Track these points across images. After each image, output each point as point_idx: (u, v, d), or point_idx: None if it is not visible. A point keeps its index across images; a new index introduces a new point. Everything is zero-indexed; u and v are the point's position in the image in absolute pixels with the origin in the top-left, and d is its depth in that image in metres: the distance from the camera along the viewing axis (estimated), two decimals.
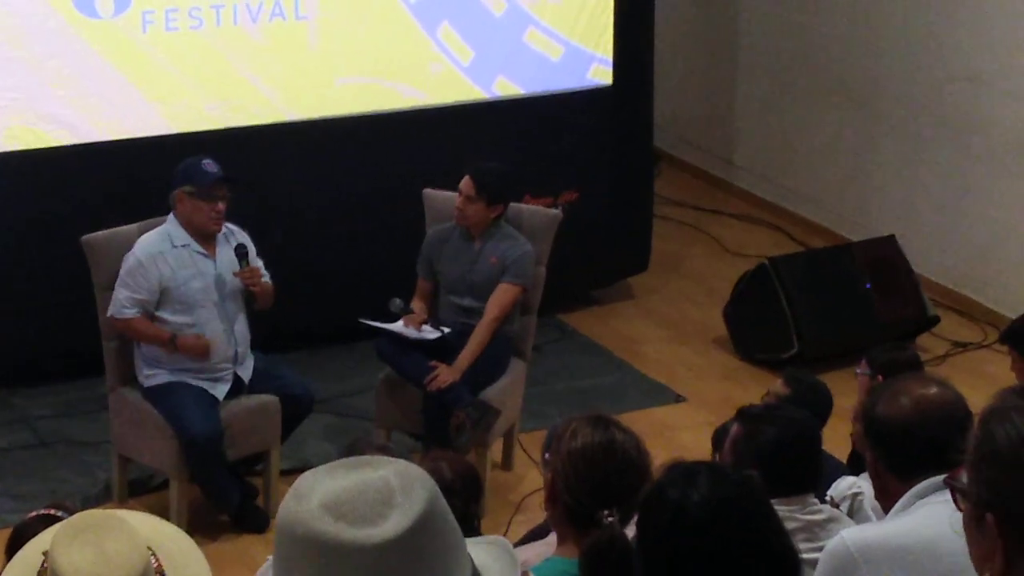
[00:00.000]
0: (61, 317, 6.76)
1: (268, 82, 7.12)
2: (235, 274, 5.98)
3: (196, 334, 5.92)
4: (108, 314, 5.96)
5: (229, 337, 6.01)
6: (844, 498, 4.45)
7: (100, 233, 6.04)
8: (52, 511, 3.72)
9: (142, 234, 5.98)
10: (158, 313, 5.93)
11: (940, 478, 3.03)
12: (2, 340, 6.84)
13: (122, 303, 5.91)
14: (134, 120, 6.89)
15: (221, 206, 5.92)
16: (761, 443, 3.88)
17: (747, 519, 2.55)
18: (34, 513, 3.79)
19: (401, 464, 2.09)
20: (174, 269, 5.91)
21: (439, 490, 2.07)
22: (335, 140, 7.29)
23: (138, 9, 6.78)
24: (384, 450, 4.34)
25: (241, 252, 5.99)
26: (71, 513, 3.61)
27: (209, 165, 5.92)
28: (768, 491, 2.66)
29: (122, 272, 5.91)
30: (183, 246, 5.94)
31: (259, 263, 6.12)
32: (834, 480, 4.56)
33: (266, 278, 6.12)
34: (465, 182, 6.33)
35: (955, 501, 2.12)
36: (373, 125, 7.34)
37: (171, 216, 5.96)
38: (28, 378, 6.96)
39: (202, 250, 5.97)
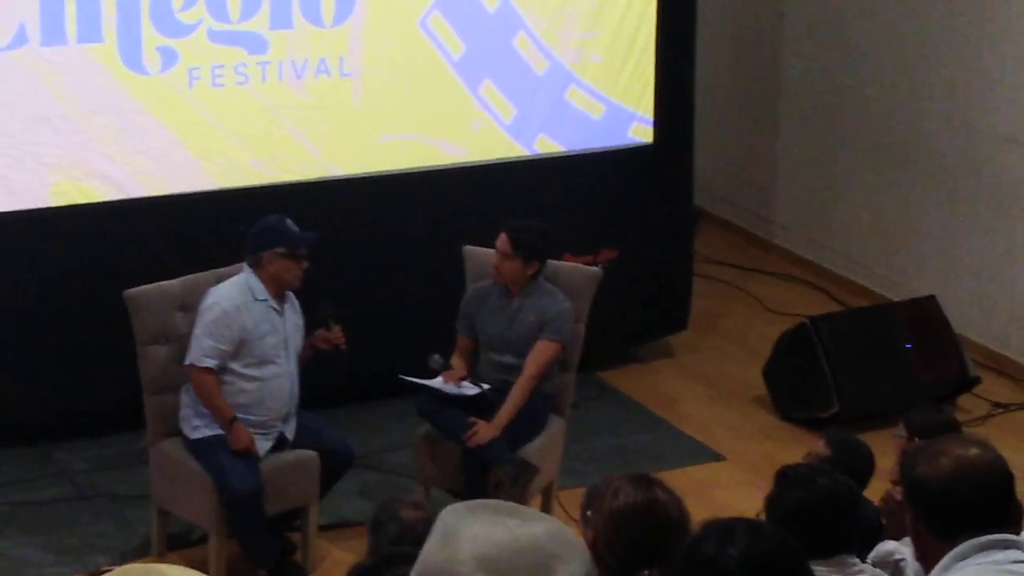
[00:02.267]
0: (102, 371, 6.80)
1: (312, 138, 7.18)
2: (321, 334, 6.13)
3: (252, 436, 5.96)
4: (187, 361, 5.97)
5: (287, 395, 6.06)
6: (886, 563, 4.43)
7: (142, 288, 6.09)
8: (103, 569, 3.73)
9: (186, 289, 6.03)
10: (231, 365, 5.97)
11: (980, 539, 3.02)
12: (44, 393, 6.89)
13: (204, 351, 5.94)
14: (179, 176, 6.96)
15: (306, 265, 6.04)
16: (788, 503, 3.90)
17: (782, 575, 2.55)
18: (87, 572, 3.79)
19: (554, 525, 1.98)
20: (258, 322, 5.98)
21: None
22: (377, 196, 7.34)
23: (185, 65, 6.85)
24: (419, 507, 4.34)
25: (329, 312, 6.13)
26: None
27: (293, 226, 6.04)
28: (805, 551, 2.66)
29: (206, 320, 5.94)
30: (263, 300, 6.00)
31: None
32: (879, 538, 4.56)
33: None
34: (501, 240, 6.35)
35: None
36: (415, 182, 7.39)
37: (247, 269, 6.01)
38: (68, 432, 7.00)
39: (277, 306, 6.03)
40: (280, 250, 5.99)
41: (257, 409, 6.00)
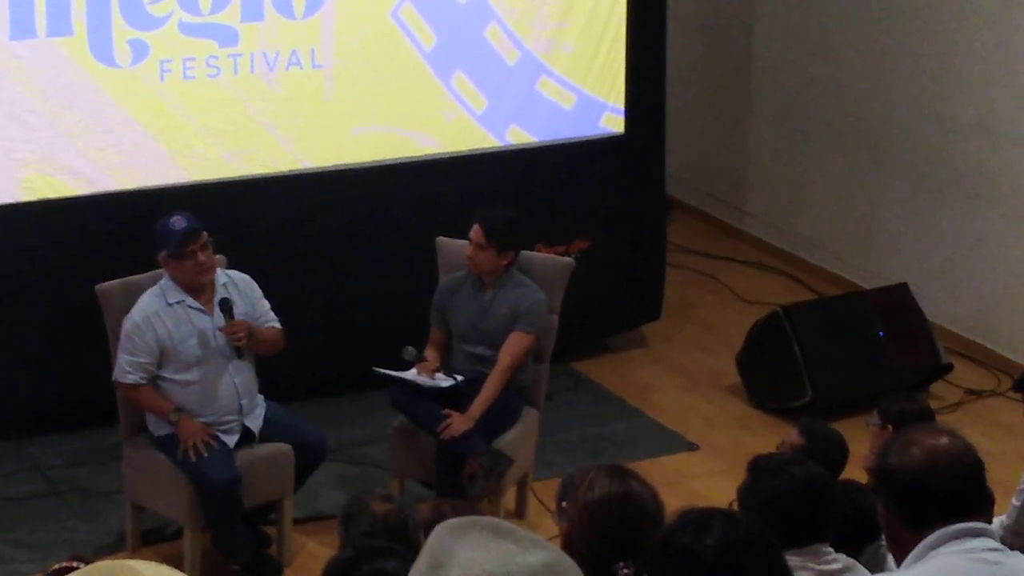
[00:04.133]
0: (75, 366, 6.78)
1: (284, 131, 7.17)
2: (220, 330, 5.95)
3: (202, 424, 5.89)
4: (113, 378, 5.96)
5: (232, 389, 6.00)
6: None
7: (114, 282, 6.07)
8: (71, 563, 3.73)
9: (155, 283, 6.00)
10: (160, 372, 5.93)
11: (952, 528, 3.04)
12: (17, 389, 6.87)
13: (124, 368, 5.90)
14: (151, 169, 6.94)
15: (202, 257, 5.87)
16: (761, 493, 3.92)
17: (758, 565, 2.56)
18: (55, 567, 3.79)
19: (553, 555, 1.90)
20: (171, 329, 5.89)
21: None
22: (350, 188, 7.33)
23: (156, 58, 6.83)
24: (390, 500, 4.35)
25: (226, 307, 5.95)
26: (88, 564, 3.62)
27: (177, 223, 5.87)
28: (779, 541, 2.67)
29: (122, 336, 5.90)
30: (178, 303, 5.92)
31: (265, 305, 6.12)
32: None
33: (274, 322, 6.13)
34: (475, 230, 6.35)
35: None
36: (388, 173, 7.38)
37: (166, 274, 5.96)
38: (41, 427, 6.98)
39: (197, 304, 5.94)
40: (164, 253, 5.91)
41: (204, 410, 5.95)
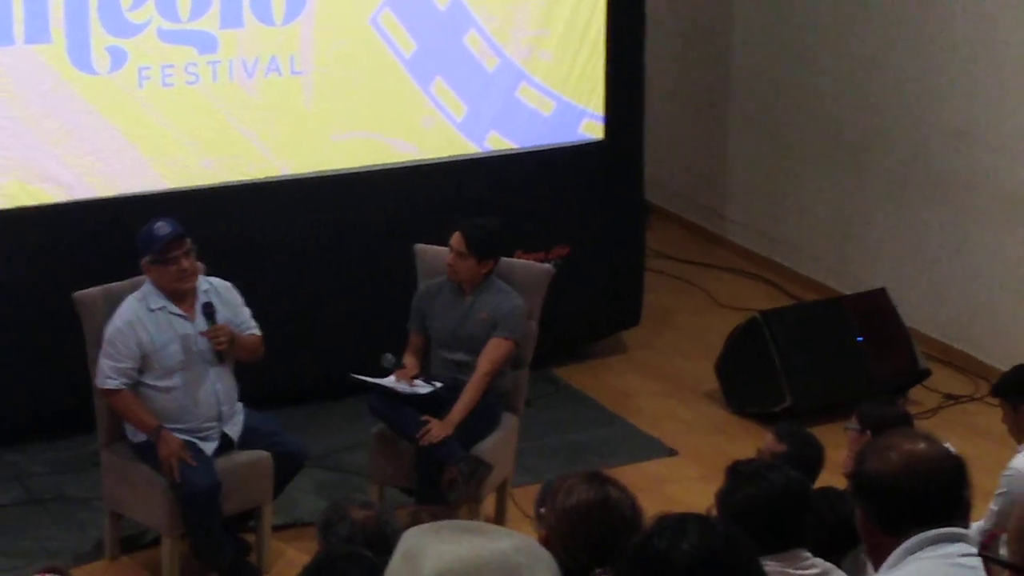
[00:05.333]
0: (54, 374, 6.76)
1: (263, 138, 7.16)
2: (201, 334, 5.94)
3: (181, 441, 5.86)
4: (94, 383, 5.95)
5: (212, 396, 6.00)
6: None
7: (92, 290, 6.06)
8: (45, 574, 3.72)
9: (133, 291, 5.99)
10: (142, 379, 5.91)
11: (930, 533, 3.05)
12: None
13: (105, 373, 5.90)
14: (129, 176, 6.92)
15: (185, 264, 5.88)
16: (740, 499, 3.93)
17: (734, 571, 2.57)
18: None
19: (524, 540, 1.95)
20: (152, 335, 5.89)
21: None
22: (329, 195, 7.33)
23: (135, 65, 6.82)
24: (369, 507, 4.35)
25: (208, 311, 5.96)
26: (65, 574, 3.62)
27: (161, 228, 5.87)
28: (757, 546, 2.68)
29: (104, 341, 5.90)
30: (159, 309, 5.91)
31: (246, 312, 6.11)
32: None
33: (254, 329, 6.12)
34: (456, 238, 6.36)
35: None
36: (367, 180, 7.38)
37: (148, 280, 5.96)
38: (20, 435, 6.96)
39: (179, 311, 5.94)
40: (147, 258, 5.90)
41: (184, 416, 5.94)
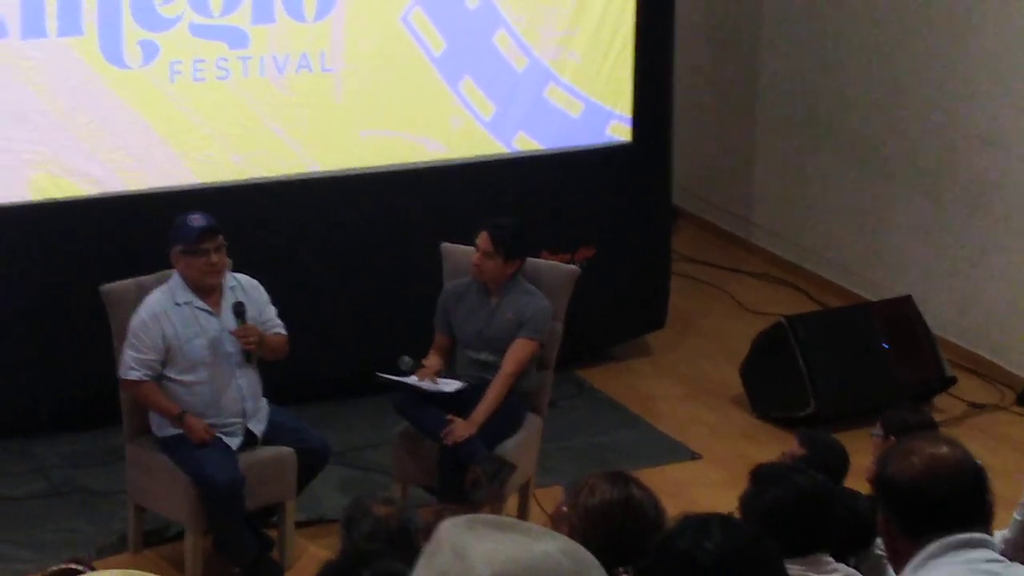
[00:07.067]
0: (80, 367, 6.79)
1: (293, 134, 7.18)
2: (231, 333, 5.95)
3: (206, 424, 5.90)
4: (118, 374, 5.97)
5: (237, 392, 6.01)
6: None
7: (118, 283, 6.08)
8: (70, 565, 3.73)
9: (159, 284, 6.01)
10: (166, 372, 5.93)
11: (953, 538, 3.04)
12: (21, 389, 6.88)
13: (129, 364, 5.91)
14: (159, 171, 6.94)
15: (215, 258, 5.88)
16: (763, 502, 3.92)
17: (756, 571, 2.56)
18: (53, 568, 3.80)
19: (565, 542, 1.91)
20: (177, 328, 5.89)
21: None
22: (357, 193, 7.34)
23: (166, 60, 6.84)
24: (391, 503, 4.36)
25: (238, 311, 5.96)
26: (88, 567, 3.63)
27: (196, 220, 5.89)
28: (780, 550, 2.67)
29: (129, 332, 5.91)
30: (185, 304, 5.92)
31: (272, 311, 6.11)
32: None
33: (280, 328, 6.13)
34: (482, 238, 6.36)
35: None
36: (394, 178, 7.39)
37: (175, 273, 5.98)
38: (45, 428, 6.99)
39: (205, 306, 5.95)
40: (178, 248, 5.91)
41: (208, 411, 5.95)
